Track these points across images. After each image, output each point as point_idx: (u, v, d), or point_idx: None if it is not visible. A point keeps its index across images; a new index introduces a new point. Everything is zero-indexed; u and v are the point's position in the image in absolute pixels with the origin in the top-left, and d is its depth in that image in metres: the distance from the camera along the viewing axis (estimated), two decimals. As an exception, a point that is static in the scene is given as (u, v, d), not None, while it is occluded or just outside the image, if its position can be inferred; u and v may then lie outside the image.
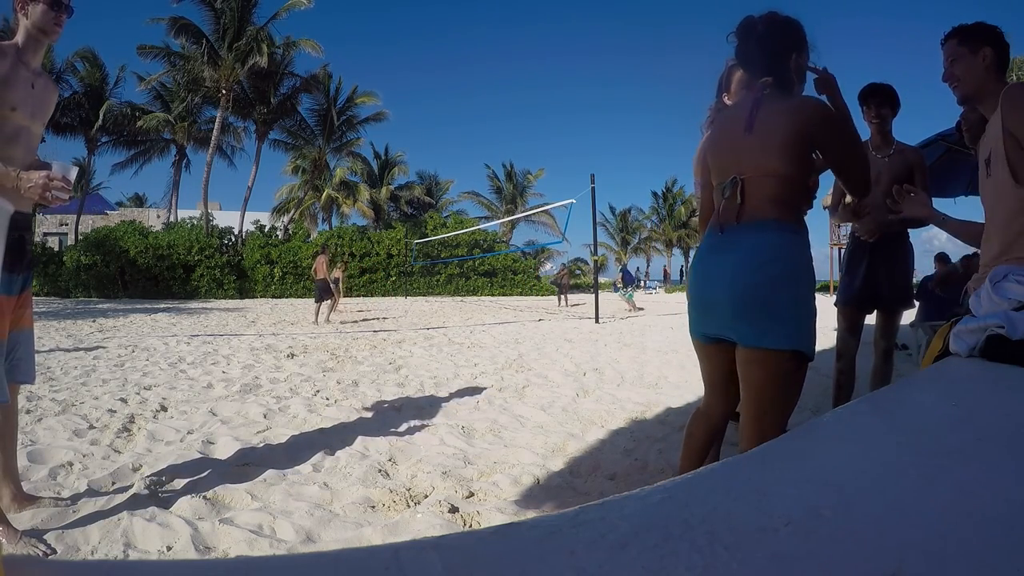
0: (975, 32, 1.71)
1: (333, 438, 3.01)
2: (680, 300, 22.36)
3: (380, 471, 2.51)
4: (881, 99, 2.75)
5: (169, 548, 1.82)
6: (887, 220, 2.63)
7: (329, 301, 10.82)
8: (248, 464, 2.59)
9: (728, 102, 2.27)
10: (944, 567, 0.42)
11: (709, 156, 1.64)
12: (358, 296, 24.02)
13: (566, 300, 18.03)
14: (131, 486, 2.26)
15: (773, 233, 1.46)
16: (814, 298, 1.51)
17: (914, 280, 3.45)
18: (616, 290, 19.43)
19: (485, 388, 4.42)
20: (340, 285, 12.40)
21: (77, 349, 6.41)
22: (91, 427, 3.17)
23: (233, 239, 24.44)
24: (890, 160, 2.76)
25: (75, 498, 2.17)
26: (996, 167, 1.58)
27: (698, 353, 1.73)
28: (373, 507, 2.16)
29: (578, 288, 29.51)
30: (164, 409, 3.65)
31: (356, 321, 11.23)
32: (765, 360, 1.45)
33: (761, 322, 1.43)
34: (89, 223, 29.82)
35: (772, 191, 1.48)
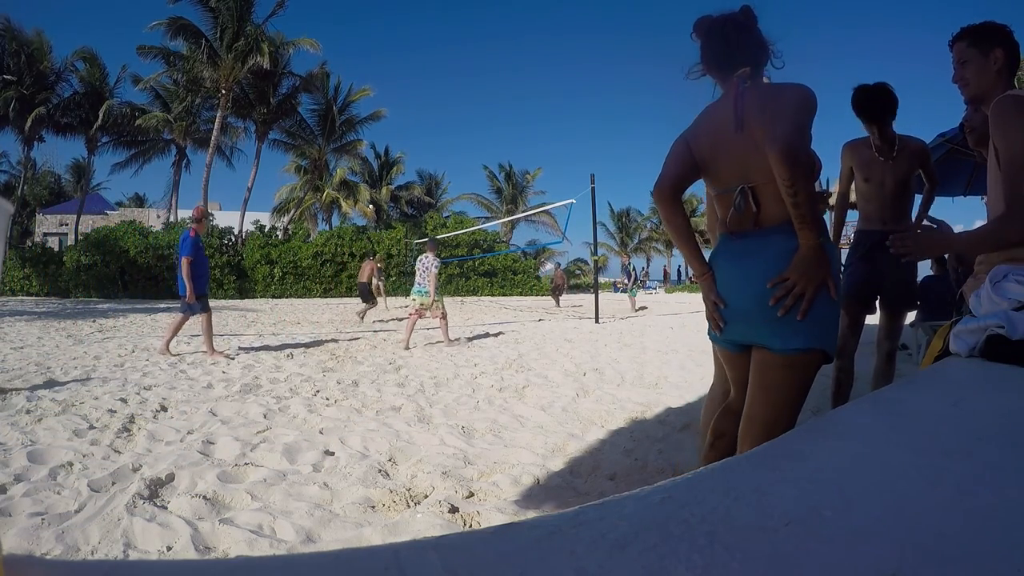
0: (987, 33, 1.67)
1: (333, 438, 3.01)
2: (680, 300, 22.34)
3: (380, 471, 2.51)
4: (871, 114, 2.65)
5: (169, 548, 1.82)
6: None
7: (369, 304, 11.18)
8: (248, 464, 2.59)
9: None
10: (944, 567, 0.42)
11: (697, 155, 1.56)
12: (357, 296, 24.03)
13: (557, 302, 17.88)
14: (131, 486, 2.26)
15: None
16: (839, 296, 1.47)
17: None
18: (617, 290, 19.35)
19: (485, 388, 4.42)
20: (382, 287, 13.64)
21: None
22: (91, 427, 3.17)
23: (233, 239, 24.43)
24: (894, 162, 2.73)
25: (75, 498, 2.17)
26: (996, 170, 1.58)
27: (725, 361, 1.67)
28: (373, 507, 2.16)
29: (578, 288, 29.49)
30: (164, 409, 3.65)
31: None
32: (792, 363, 1.42)
33: (792, 325, 1.39)
34: (89, 223, 29.82)
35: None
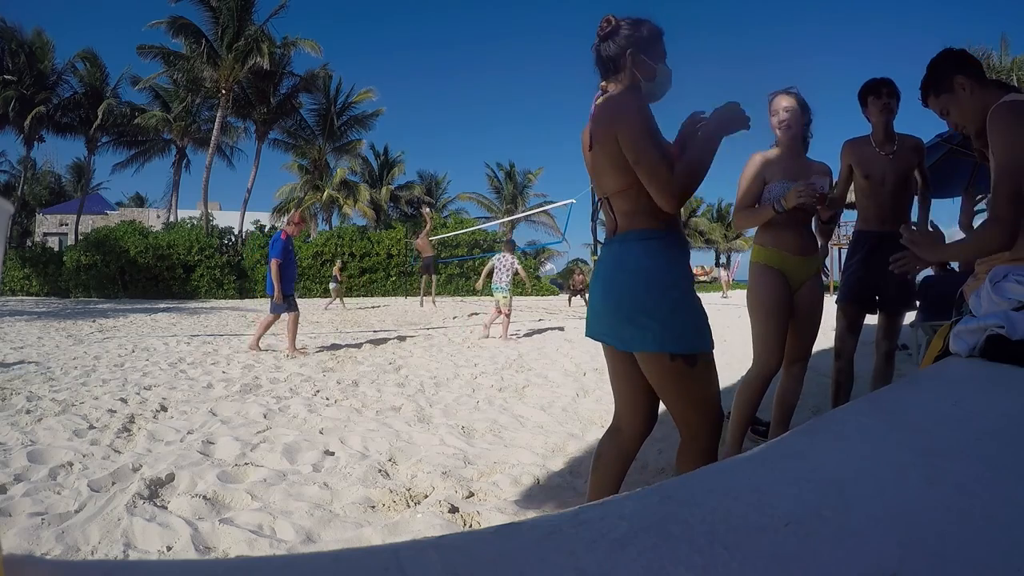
0: (937, 74, 1.70)
1: (333, 438, 3.01)
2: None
3: (380, 471, 2.51)
4: (892, 88, 2.70)
5: (169, 548, 1.82)
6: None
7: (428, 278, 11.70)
8: (248, 464, 2.59)
9: (776, 131, 2.49)
10: (944, 567, 0.42)
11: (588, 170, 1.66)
12: (358, 296, 24.03)
13: (583, 301, 18.04)
14: (131, 486, 2.26)
15: (631, 243, 1.49)
16: (682, 296, 1.46)
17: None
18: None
19: (485, 388, 4.42)
20: (340, 285, 15.02)
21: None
22: (91, 427, 3.17)
23: (233, 239, 24.43)
24: (895, 157, 2.73)
25: (75, 498, 2.17)
26: None
27: (603, 353, 1.71)
28: (373, 507, 2.16)
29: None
30: (164, 409, 3.65)
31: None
32: (649, 363, 1.48)
33: (628, 329, 1.46)
34: (89, 223, 29.82)
35: (628, 205, 1.49)
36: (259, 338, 6.41)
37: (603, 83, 1.57)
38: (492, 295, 8.09)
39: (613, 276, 1.51)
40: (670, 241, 1.50)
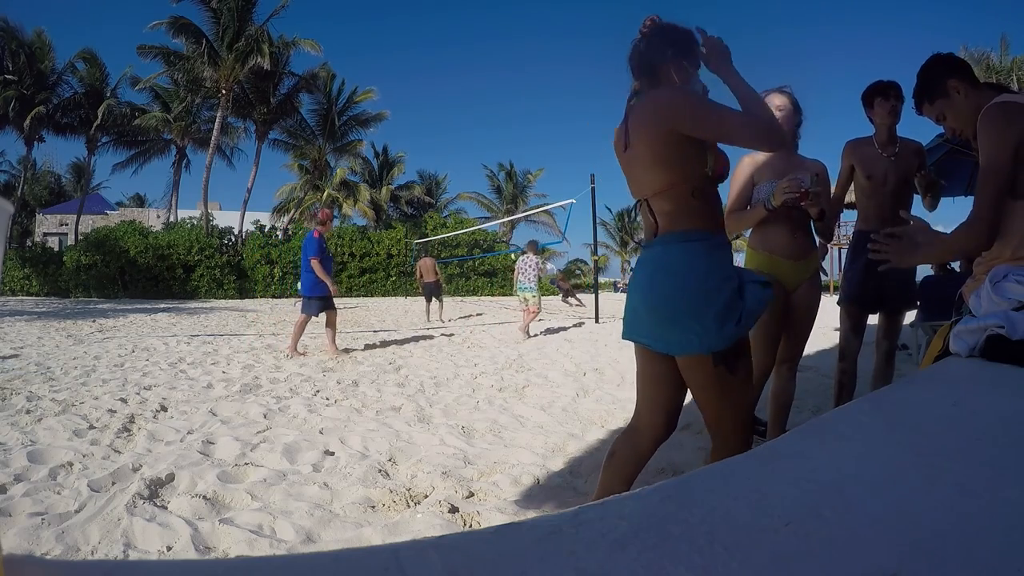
0: (929, 81, 1.70)
1: (333, 438, 3.01)
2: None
3: (380, 471, 2.51)
4: (899, 92, 2.69)
5: (169, 548, 1.82)
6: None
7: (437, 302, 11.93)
8: (248, 464, 2.59)
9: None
10: (944, 567, 0.42)
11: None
12: (358, 296, 24.02)
13: (576, 300, 18.08)
14: (131, 486, 2.26)
15: (673, 245, 1.47)
16: (728, 300, 1.43)
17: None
18: (618, 290, 19.44)
19: (485, 388, 4.42)
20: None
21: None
22: (91, 427, 3.17)
23: (233, 239, 24.44)
24: (897, 158, 2.73)
25: (75, 498, 2.17)
26: None
27: (635, 354, 1.69)
28: (373, 507, 2.16)
29: (578, 288, 29.46)
30: (164, 409, 3.65)
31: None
32: (692, 366, 1.48)
33: (670, 332, 1.46)
34: (89, 223, 29.83)
35: (670, 205, 1.48)
36: (333, 342, 6.30)
37: (636, 83, 1.56)
38: (518, 295, 8.49)
39: (654, 278, 1.49)
40: (714, 242, 1.48)
